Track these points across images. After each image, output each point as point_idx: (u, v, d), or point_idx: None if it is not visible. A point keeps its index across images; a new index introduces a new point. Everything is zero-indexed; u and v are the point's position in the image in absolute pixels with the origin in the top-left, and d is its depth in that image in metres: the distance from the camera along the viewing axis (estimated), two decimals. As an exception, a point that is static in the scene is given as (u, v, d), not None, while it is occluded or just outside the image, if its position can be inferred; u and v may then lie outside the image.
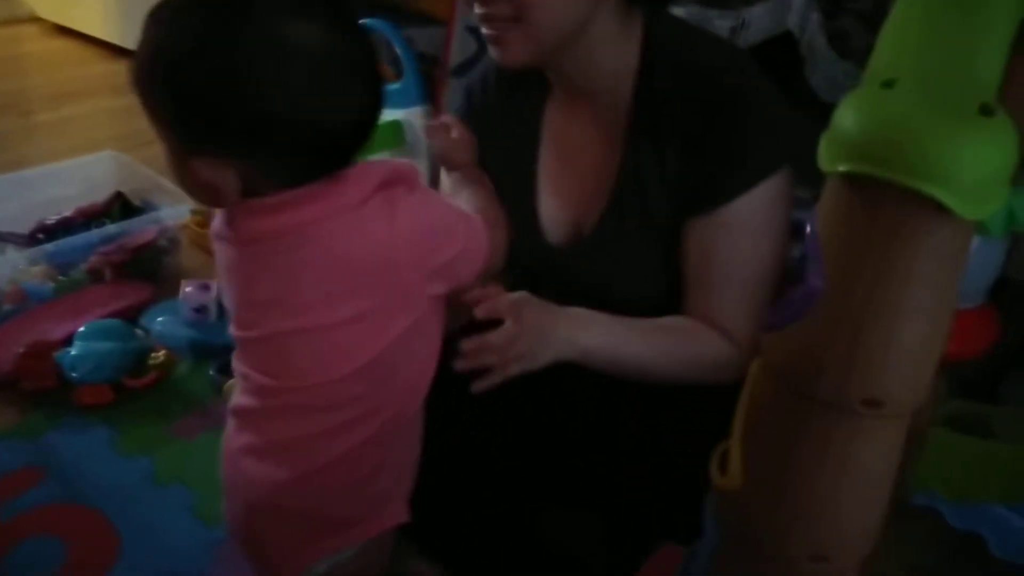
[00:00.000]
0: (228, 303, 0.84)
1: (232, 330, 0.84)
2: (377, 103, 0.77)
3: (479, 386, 0.85)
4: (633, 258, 1.09)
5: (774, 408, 0.62)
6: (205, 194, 0.76)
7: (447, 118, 1.16)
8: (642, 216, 1.06)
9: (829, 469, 0.60)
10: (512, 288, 1.20)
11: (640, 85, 1.04)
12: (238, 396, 0.89)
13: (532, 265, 1.15)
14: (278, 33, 0.70)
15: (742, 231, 1.00)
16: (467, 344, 0.83)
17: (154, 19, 0.73)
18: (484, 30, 0.99)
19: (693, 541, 0.75)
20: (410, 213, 0.77)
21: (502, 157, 1.16)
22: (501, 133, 1.16)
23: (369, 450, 0.84)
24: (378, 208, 0.75)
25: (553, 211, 1.14)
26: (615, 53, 1.03)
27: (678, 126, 1.01)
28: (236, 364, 0.86)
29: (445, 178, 1.22)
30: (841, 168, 0.54)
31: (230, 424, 0.90)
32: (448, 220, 0.83)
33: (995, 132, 0.51)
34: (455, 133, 1.09)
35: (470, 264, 0.84)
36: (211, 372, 1.68)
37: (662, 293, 1.09)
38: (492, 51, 1.01)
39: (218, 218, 0.80)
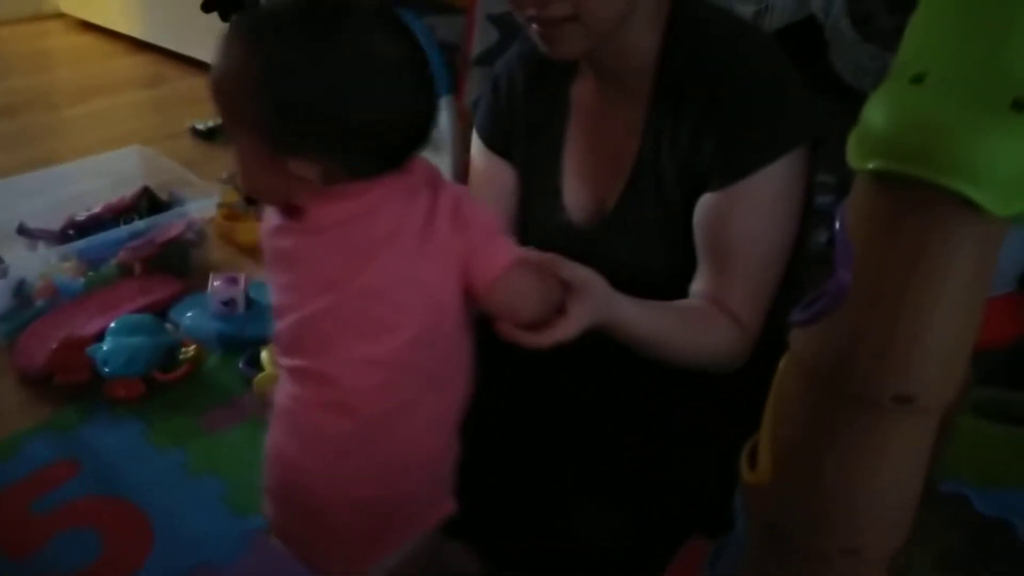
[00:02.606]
0: (283, 294, 0.88)
1: (284, 318, 0.88)
2: (434, 102, 0.86)
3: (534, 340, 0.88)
4: (651, 237, 1.09)
5: (804, 403, 0.62)
6: (280, 192, 0.84)
7: None
8: (658, 194, 1.07)
9: (861, 464, 0.60)
10: None
11: (661, 65, 1.04)
12: (284, 393, 0.90)
13: (554, 243, 1.15)
14: (366, 48, 0.79)
15: (754, 208, 1.00)
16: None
17: (250, 34, 0.81)
18: (535, 27, 0.98)
19: (722, 534, 0.75)
20: (450, 205, 0.85)
21: (529, 136, 1.16)
22: (528, 113, 1.16)
23: (438, 429, 0.90)
24: (427, 199, 0.84)
25: (576, 190, 1.14)
26: (646, 35, 1.04)
27: (695, 103, 1.02)
28: (286, 358, 0.89)
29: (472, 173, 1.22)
30: (871, 165, 0.53)
31: (279, 423, 0.91)
32: (482, 219, 0.88)
33: (1027, 127, 0.51)
34: None
35: (481, 270, 0.87)
36: (240, 365, 1.70)
37: (679, 272, 1.10)
38: (543, 46, 1.01)
39: (274, 214, 0.87)
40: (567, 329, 0.88)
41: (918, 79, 0.54)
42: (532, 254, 0.90)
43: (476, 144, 1.24)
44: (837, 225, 0.58)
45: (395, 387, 0.87)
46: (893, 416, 0.59)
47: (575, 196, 1.15)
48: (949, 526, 1.35)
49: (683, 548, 0.87)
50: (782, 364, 0.65)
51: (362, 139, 0.80)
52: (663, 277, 1.11)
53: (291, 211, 0.85)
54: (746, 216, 1.01)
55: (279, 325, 0.89)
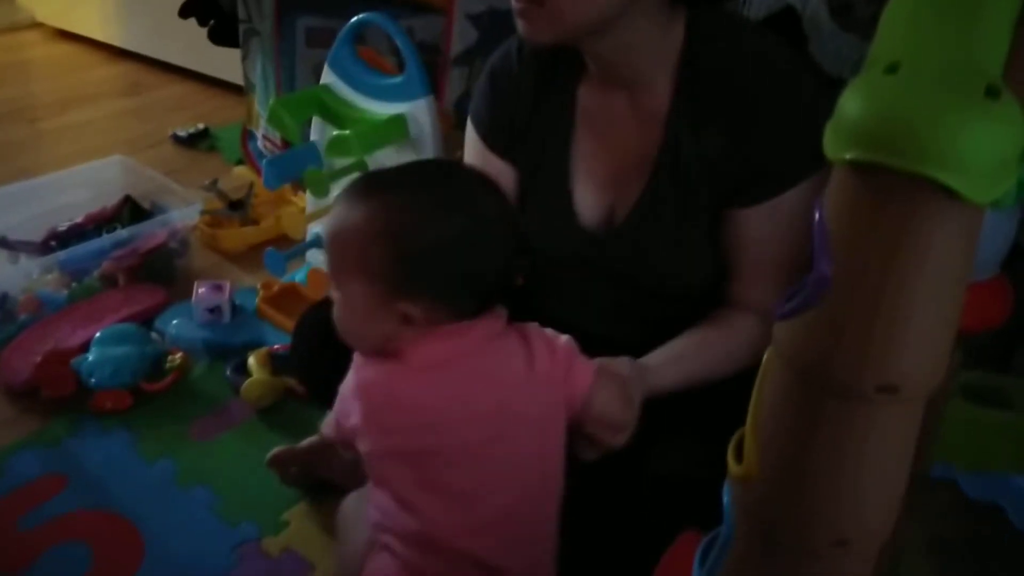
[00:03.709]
0: (383, 436, 0.95)
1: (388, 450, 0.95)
2: (527, 252, 0.97)
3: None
4: (668, 244, 1.09)
5: (788, 396, 0.62)
6: (383, 334, 0.93)
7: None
8: (681, 203, 1.06)
9: (846, 456, 0.60)
10: (541, 270, 1.22)
11: (683, 73, 1.04)
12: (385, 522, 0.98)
13: (564, 249, 1.16)
14: (477, 207, 0.92)
15: (786, 220, 1.02)
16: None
17: (371, 190, 0.93)
18: (513, 2, 1.00)
19: (714, 527, 0.75)
20: (539, 338, 0.97)
21: (535, 138, 1.15)
22: (533, 114, 1.15)
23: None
24: (515, 337, 0.96)
25: (587, 195, 1.14)
26: (658, 43, 1.03)
27: (724, 114, 1.02)
28: (384, 496, 0.97)
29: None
30: (847, 156, 0.53)
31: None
32: (566, 344, 0.99)
33: (1002, 114, 0.51)
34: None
35: (578, 388, 0.98)
36: (227, 372, 1.70)
37: (695, 279, 1.10)
38: (519, 24, 1.01)
39: (370, 362, 0.96)
40: (633, 415, 0.99)
41: (892, 69, 0.54)
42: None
43: (473, 142, 1.22)
44: (816, 216, 0.58)
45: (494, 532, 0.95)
46: (877, 407, 0.59)
47: (586, 201, 1.14)
48: (940, 511, 1.35)
49: (674, 541, 0.87)
50: (766, 357, 0.64)
51: (467, 285, 0.91)
52: (675, 283, 1.11)
53: (386, 355, 0.94)
54: (778, 227, 1.03)
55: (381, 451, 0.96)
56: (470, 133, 1.22)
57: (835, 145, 0.55)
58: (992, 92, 0.52)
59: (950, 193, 0.51)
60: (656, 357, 1.06)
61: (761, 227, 1.05)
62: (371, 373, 0.94)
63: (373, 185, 0.95)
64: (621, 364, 1.02)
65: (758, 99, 1.01)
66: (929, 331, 0.56)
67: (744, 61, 1.02)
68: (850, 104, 0.54)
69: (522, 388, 0.94)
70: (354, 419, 0.94)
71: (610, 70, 1.07)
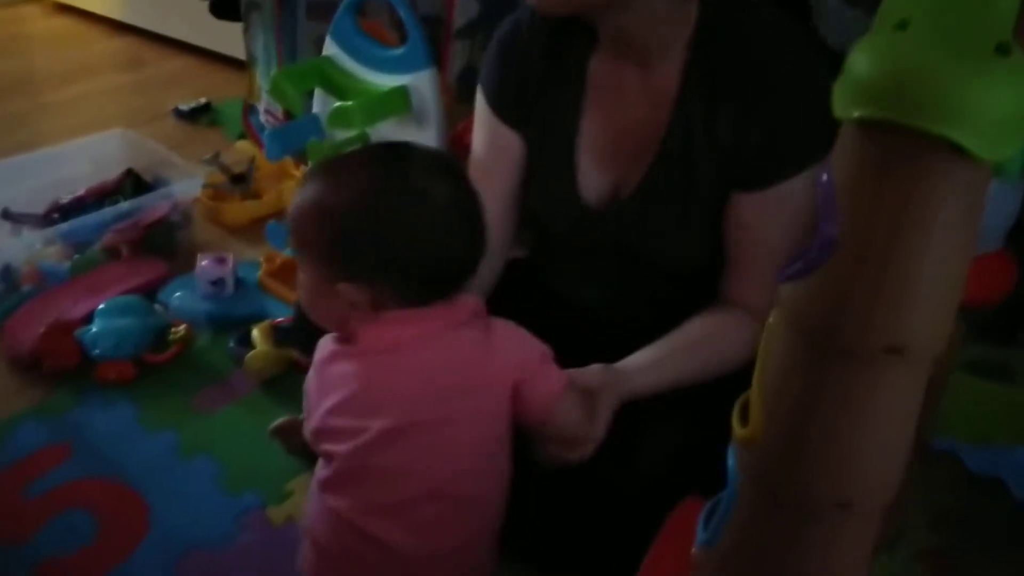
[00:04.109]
0: (335, 418, 0.93)
1: (341, 443, 0.93)
2: (483, 242, 0.94)
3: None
4: (670, 226, 1.08)
5: (793, 358, 0.62)
6: (335, 315, 0.93)
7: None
8: (686, 182, 1.05)
9: (852, 417, 0.60)
10: (546, 243, 1.21)
11: (696, 50, 1.03)
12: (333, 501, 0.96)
13: (566, 223, 1.15)
14: (424, 192, 0.90)
15: (789, 208, 1.01)
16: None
17: (325, 175, 0.92)
18: None
19: (716, 491, 0.75)
20: (503, 336, 0.95)
21: (543, 110, 1.14)
22: (543, 85, 1.14)
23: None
24: (477, 330, 0.93)
25: (592, 170, 1.13)
26: (673, 18, 1.02)
27: (737, 90, 1.01)
28: (338, 495, 0.95)
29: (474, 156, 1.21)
30: (856, 114, 0.53)
31: (327, 525, 0.97)
32: (534, 348, 0.96)
33: (1012, 72, 0.51)
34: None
35: (540, 397, 0.96)
36: (230, 345, 1.70)
37: (696, 259, 1.09)
38: None
39: (330, 342, 0.96)
40: (598, 430, 0.97)
41: (902, 26, 0.53)
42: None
43: (482, 113, 1.20)
44: (824, 178, 0.58)
45: (444, 518, 0.94)
46: (883, 368, 0.59)
47: (591, 176, 1.13)
48: (942, 485, 1.36)
49: (677, 506, 0.88)
50: (771, 319, 0.65)
51: (411, 272, 0.90)
52: (676, 262, 1.11)
53: (346, 338, 0.94)
54: (781, 215, 1.02)
55: (335, 448, 0.94)
56: (480, 103, 1.21)
57: (843, 103, 0.54)
58: (1002, 50, 0.52)
59: (958, 151, 0.51)
60: (638, 359, 1.05)
61: (763, 216, 1.03)
62: (323, 353, 0.95)
63: (324, 167, 0.95)
64: (592, 375, 1.00)
65: (772, 77, 0.99)
66: (937, 291, 0.56)
67: (759, 39, 1.01)
68: (859, 61, 0.54)
69: (469, 384, 0.92)
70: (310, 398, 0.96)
71: (623, 44, 1.06)
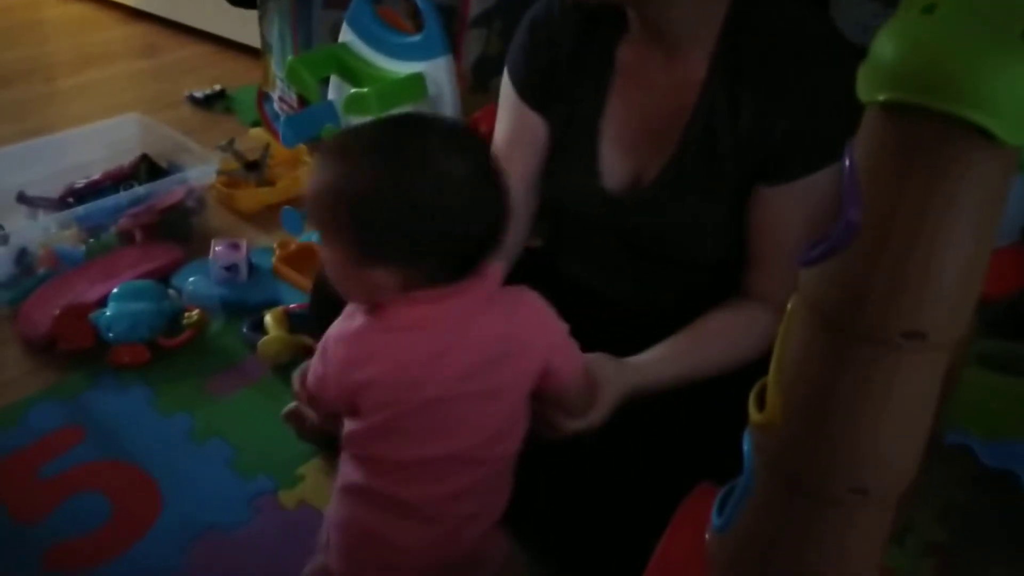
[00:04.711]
0: (368, 390, 0.92)
1: (367, 417, 0.93)
2: (504, 215, 0.91)
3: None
4: (689, 216, 1.08)
5: (812, 343, 0.62)
6: (365, 294, 0.91)
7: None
8: (708, 171, 1.05)
9: (870, 403, 0.60)
10: (564, 230, 1.21)
11: (724, 43, 1.02)
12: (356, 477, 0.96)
13: (585, 209, 1.15)
14: (442, 170, 0.87)
15: (812, 203, 1.00)
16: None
17: (340, 156, 0.89)
18: None
19: (731, 478, 0.75)
20: (532, 307, 0.94)
21: (569, 94, 1.14)
22: (570, 69, 1.13)
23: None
24: (507, 300, 0.93)
25: (614, 156, 1.12)
26: (706, 11, 1.02)
27: (761, 87, 1.00)
28: (365, 448, 0.95)
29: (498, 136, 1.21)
30: (881, 97, 0.53)
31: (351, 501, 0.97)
32: (558, 321, 0.95)
33: (1039, 55, 0.51)
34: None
35: (565, 368, 0.95)
36: (243, 330, 1.71)
37: (713, 250, 1.09)
38: None
39: (359, 313, 0.93)
40: (597, 416, 0.98)
41: (929, 9, 0.53)
42: None
43: (508, 95, 1.20)
44: (847, 162, 0.58)
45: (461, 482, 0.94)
46: (903, 354, 0.59)
47: (612, 162, 1.12)
48: (952, 480, 1.36)
49: (691, 493, 0.88)
50: (790, 304, 0.64)
51: (436, 251, 0.88)
52: (692, 253, 1.10)
53: (374, 309, 0.92)
54: (803, 210, 1.01)
55: (356, 424, 0.94)
56: (505, 85, 1.20)
57: (868, 86, 0.54)
58: (1029, 34, 0.51)
59: (983, 136, 0.51)
60: (649, 354, 1.04)
61: (786, 211, 1.02)
62: (355, 323, 0.93)
63: (341, 145, 0.92)
64: (599, 366, 1.00)
65: (800, 71, 0.98)
66: (958, 278, 0.56)
67: (789, 32, 1.00)
68: (885, 45, 0.54)
69: (506, 351, 0.92)
70: (318, 369, 0.95)
71: (654, 32, 1.06)
